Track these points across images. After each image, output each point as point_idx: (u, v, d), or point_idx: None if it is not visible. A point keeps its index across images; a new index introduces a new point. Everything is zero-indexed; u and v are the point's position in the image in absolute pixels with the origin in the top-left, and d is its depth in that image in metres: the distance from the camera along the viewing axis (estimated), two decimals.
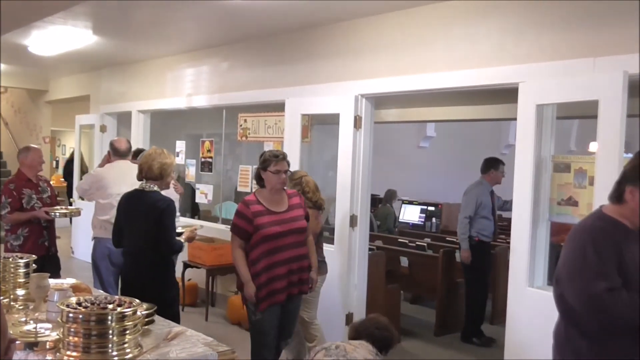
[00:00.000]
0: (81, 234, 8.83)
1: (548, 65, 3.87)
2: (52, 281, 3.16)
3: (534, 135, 3.88)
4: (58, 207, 5.08)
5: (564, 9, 3.83)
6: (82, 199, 5.39)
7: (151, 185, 3.69)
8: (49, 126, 12.03)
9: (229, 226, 3.86)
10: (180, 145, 7.64)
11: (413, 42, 4.72)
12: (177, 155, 7.65)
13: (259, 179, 3.82)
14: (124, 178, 4.83)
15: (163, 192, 3.76)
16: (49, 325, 2.60)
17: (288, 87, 5.79)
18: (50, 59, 7.98)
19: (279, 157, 3.75)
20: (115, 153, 5.18)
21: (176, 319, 3.59)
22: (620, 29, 3.55)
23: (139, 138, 7.96)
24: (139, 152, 5.53)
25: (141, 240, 3.65)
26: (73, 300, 2.40)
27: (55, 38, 6.61)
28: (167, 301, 3.58)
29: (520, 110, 3.96)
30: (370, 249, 5.47)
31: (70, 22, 5.93)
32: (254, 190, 4.03)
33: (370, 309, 5.21)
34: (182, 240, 3.84)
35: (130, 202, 3.76)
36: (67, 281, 3.41)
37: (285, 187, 3.85)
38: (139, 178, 3.75)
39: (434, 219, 9.44)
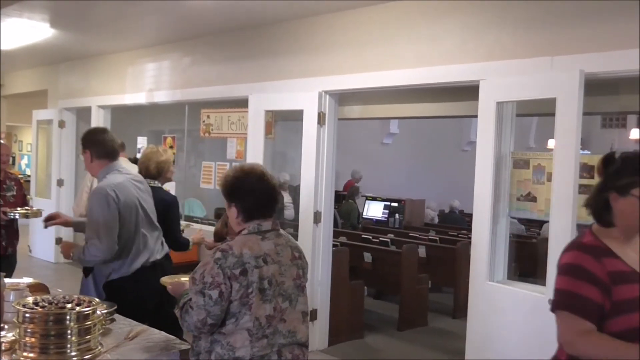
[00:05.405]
0: (39, 232, 8.62)
1: (508, 63, 3.95)
2: (7, 281, 3.08)
3: (494, 132, 3.95)
4: (20, 208, 4.92)
5: (523, 9, 3.90)
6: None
7: (154, 182, 3.87)
8: (4, 121, 11.69)
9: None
10: (142, 142, 7.52)
11: (377, 39, 4.75)
12: (139, 152, 7.53)
13: (602, 208, 1.89)
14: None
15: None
16: (5, 326, 2.53)
17: (252, 83, 5.75)
18: (5, 52, 7.74)
19: None
20: None
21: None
22: (577, 29, 3.65)
23: None
24: None
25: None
26: (30, 300, 2.35)
27: (10, 31, 6.42)
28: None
29: (481, 108, 4.03)
30: (334, 245, 5.49)
31: (26, 14, 5.76)
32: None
33: (335, 304, 5.27)
34: (190, 240, 3.97)
35: None
36: (23, 280, 3.32)
37: None
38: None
39: (397, 215, 9.53)
